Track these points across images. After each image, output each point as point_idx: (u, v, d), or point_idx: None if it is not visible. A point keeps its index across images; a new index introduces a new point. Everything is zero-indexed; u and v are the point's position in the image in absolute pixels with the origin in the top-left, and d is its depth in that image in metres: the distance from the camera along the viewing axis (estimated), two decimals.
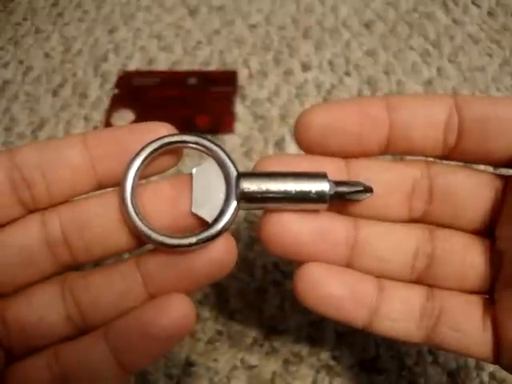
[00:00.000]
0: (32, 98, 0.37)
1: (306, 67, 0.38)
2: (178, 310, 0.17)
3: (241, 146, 0.34)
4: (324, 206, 0.18)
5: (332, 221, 0.19)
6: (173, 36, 0.41)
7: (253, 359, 0.26)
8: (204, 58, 0.39)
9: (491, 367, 0.26)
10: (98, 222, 0.17)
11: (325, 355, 0.27)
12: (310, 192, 0.18)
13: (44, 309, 0.18)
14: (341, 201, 0.18)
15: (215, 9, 0.43)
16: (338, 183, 0.18)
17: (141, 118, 0.35)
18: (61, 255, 0.18)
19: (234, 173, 0.18)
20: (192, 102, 0.36)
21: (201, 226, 0.18)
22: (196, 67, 0.39)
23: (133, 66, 0.39)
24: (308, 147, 0.19)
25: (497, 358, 0.18)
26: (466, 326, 0.18)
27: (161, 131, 0.18)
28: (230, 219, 0.17)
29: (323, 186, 0.18)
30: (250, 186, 0.18)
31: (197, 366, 0.26)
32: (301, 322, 0.27)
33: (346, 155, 0.19)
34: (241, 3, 0.43)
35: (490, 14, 0.42)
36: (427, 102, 0.19)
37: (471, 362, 0.26)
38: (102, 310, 0.18)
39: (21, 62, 0.39)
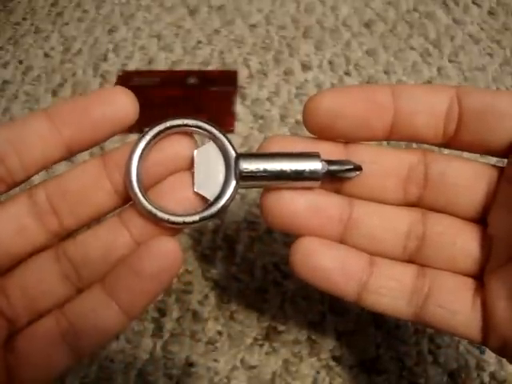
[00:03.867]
0: (32, 98, 0.37)
1: (306, 67, 0.38)
2: (166, 249, 0.18)
3: (241, 145, 0.34)
4: (317, 183, 0.19)
5: (327, 198, 0.20)
6: (173, 36, 0.41)
7: (253, 359, 0.26)
8: (204, 58, 0.39)
9: (492, 367, 0.26)
10: (78, 184, 0.19)
11: (325, 355, 0.26)
12: (303, 171, 0.19)
13: (41, 271, 0.19)
14: (333, 179, 0.19)
15: (215, 9, 0.43)
16: (329, 162, 0.19)
17: (141, 118, 0.35)
18: (49, 223, 0.19)
19: (233, 154, 0.19)
20: (192, 102, 0.36)
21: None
22: (196, 67, 0.39)
23: (133, 66, 0.39)
24: (316, 131, 0.20)
25: (484, 339, 0.19)
26: (455, 305, 0.19)
27: (118, 94, 0.19)
28: (230, 197, 0.19)
29: (316, 165, 0.19)
30: (248, 165, 0.19)
31: (197, 366, 0.26)
32: (301, 321, 0.27)
33: (352, 139, 0.20)
34: (241, 3, 0.43)
35: (491, 13, 0.42)
36: (430, 91, 0.20)
37: (472, 362, 0.26)
38: (94, 263, 0.19)
39: (20, 62, 0.39)
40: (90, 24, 0.42)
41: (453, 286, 0.19)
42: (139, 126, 0.37)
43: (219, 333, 0.27)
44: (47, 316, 0.19)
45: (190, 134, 0.20)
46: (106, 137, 0.19)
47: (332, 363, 0.26)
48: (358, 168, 0.19)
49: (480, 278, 0.20)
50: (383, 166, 0.20)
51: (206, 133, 0.19)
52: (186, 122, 0.19)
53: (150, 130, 0.19)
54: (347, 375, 0.26)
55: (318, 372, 0.26)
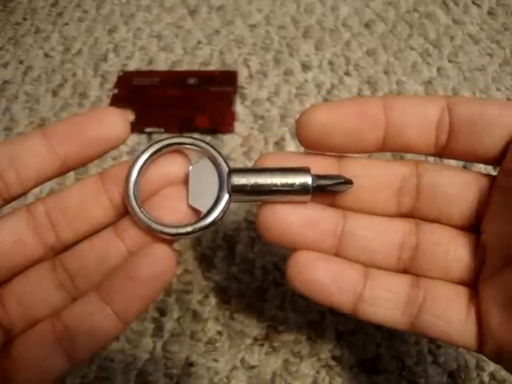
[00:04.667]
0: (32, 98, 0.37)
1: (306, 67, 0.38)
2: (160, 254, 0.19)
3: (241, 145, 0.34)
4: (307, 197, 0.20)
5: (321, 212, 0.20)
6: (173, 36, 0.41)
7: (253, 359, 0.26)
8: (204, 58, 0.39)
9: (492, 367, 0.26)
10: (76, 199, 0.20)
11: (325, 355, 0.26)
12: (294, 185, 0.19)
13: (37, 281, 0.20)
14: (325, 193, 0.20)
15: (215, 9, 0.43)
16: (319, 176, 0.20)
17: (141, 118, 0.35)
18: (47, 236, 0.19)
19: (225, 169, 0.20)
20: (192, 102, 0.36)
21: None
22: (196, 67, 0.39)
23: (133, 66, 0.39)
24: (308, 144, 0.20)
25: (480, 346, 0.19)
26: (450, 314, 0.19)
27: (111, 114, 0.19)
28: (222, 210, 0.20)
29: (306, 179, 0.19)
30: (239, 180, 0.20)
31: (197, 366, 0.26)
32: (301, 321, 0.27)
33: (345, 152, 0.20)
34: (241, 3, 0.43)
35: (491, 13, 0.42)
36: (421, 102, 0.20)
37: (472, 363, 0.26)
38: (89, 272, 0.19)
39: (21, 62, 0.39)
40: (90, 24, 0.42)
41: (447, 295, 0.19)
42: (139, 126, 0.38)
43: (219, 333, 0.27)
44: (43, 324, 0.19)
45: (184, 153, 0.21)
46: (100, 154, 0.20)
47: (332, 363, 0.26)
48: (349, 182, 0.20)
49: (474, 286, 0.20)
50: (376, 178, 0.20)
51: (200, 149, 0.20)
52: (181, 140, 0.20)
53: (148, 147, 0.20)
54: (347, 375, 0.26)
55: (318, 372, 0.26)
